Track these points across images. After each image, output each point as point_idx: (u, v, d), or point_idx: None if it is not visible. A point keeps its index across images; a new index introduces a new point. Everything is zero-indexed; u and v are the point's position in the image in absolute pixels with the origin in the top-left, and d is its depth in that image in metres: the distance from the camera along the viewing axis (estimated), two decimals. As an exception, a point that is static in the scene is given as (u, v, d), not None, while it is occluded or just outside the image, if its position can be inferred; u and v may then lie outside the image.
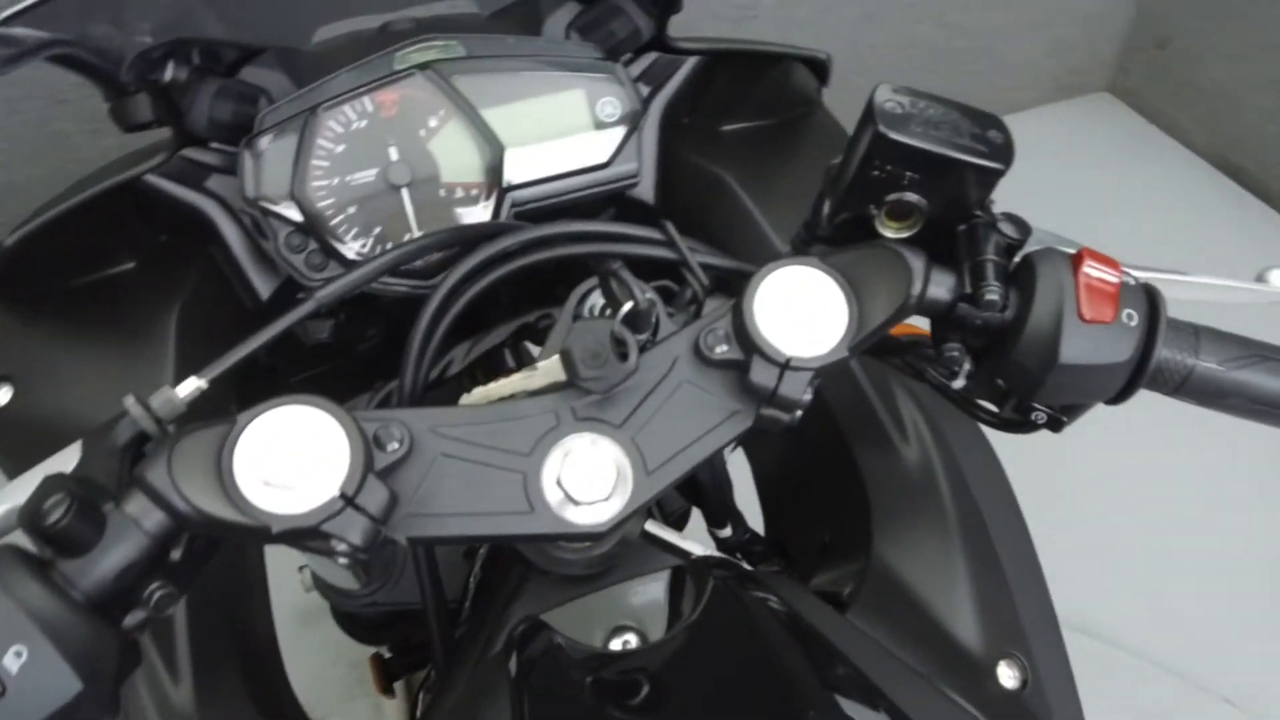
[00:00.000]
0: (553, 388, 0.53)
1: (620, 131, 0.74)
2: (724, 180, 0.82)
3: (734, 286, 0.55)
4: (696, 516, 0.81)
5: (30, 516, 0.40)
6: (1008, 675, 0.60)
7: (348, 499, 0.43)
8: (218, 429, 0.44)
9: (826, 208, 0.55)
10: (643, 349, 0.53)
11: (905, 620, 0.62)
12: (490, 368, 0.77)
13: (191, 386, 0.46)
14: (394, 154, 0.71)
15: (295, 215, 0.69)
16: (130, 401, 0.44)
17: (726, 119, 0.89)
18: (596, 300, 0.60)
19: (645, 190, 0.79)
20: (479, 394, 0.57)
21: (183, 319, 0.71)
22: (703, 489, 0.75)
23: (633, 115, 0.74)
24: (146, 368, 0.68)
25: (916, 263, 0.51)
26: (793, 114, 0.91)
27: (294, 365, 0.84)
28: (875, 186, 0.51)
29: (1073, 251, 0.50)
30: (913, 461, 0.66)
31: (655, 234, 0.62)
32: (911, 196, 0.51)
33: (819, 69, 0.87)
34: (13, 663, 0.37)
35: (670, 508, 0.79)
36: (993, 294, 0.48)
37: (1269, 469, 1.90)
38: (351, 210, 0.70)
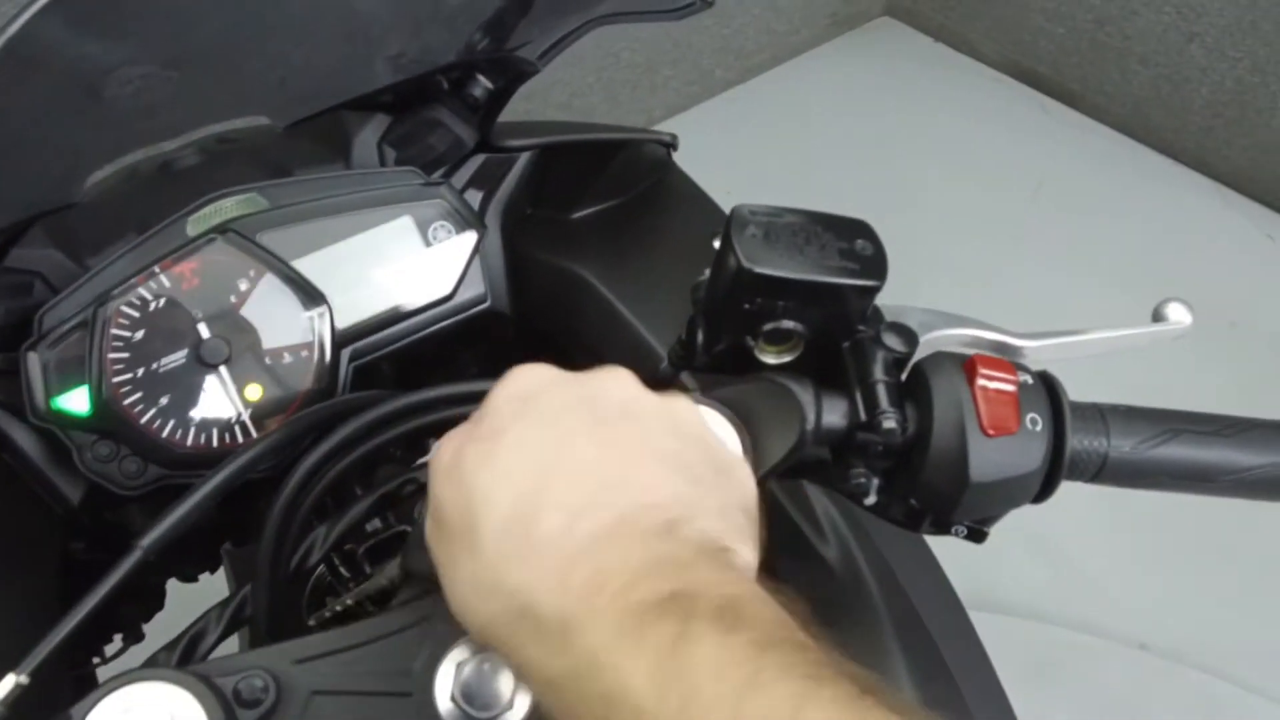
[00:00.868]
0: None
1: (459, 257, 0.68)
2: (583, 279, 0.76)
3: None
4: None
5: None
6: None
7: None
8: None
9: (700, 336, 0.51)
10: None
11: None
12: (354, 551, 0.69)
13: (9, 685, 0.41)
14: (204, 330, 0.62)
15: (98, 423, 0.60)
16: None
17: (574, 207, 0.83)
18: None
19: (500, 303, 0.73)
20: (342, 604, 0.50)
21: None
22: None
23: (469, 237, 0.68)
24: None
25: (805, 395, 0.47)
26: (644, 186, 0.86)
27: None
28: (748, 318, 0.47)
29: (965, 353, 0.47)
30: (834, 561, 0.62)
31: None
32: (788, 324, 0.47)
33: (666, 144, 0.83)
34: None
35: None
36: (890, 422, 0.45)
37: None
38: (164, 402, 0.62)
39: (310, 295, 0.64)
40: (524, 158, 0.76)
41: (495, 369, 0.86)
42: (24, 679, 0.42)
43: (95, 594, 0.47)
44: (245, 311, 0.64)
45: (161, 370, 0.62)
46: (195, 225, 0.63)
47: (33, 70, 0.54)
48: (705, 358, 0.51)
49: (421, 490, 0.55)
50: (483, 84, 0.73)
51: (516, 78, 0.73)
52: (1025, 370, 0.47)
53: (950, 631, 0.62)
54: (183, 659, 0.54)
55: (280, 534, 0.55)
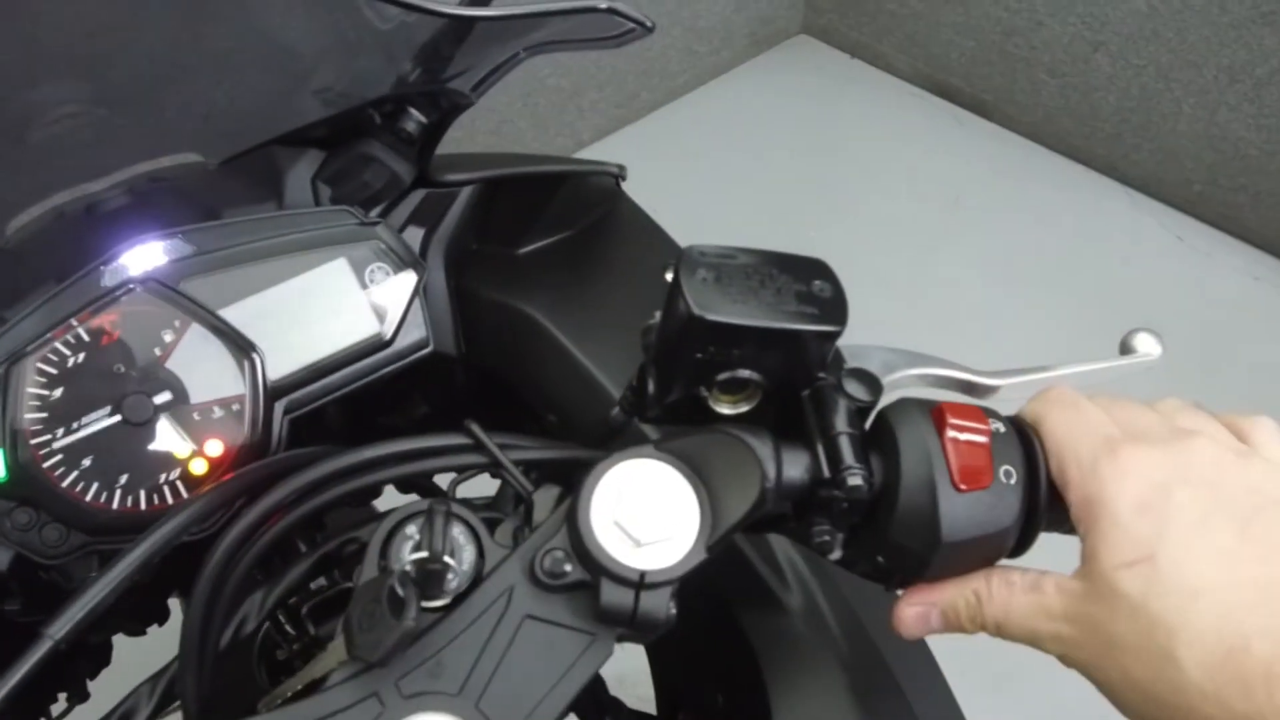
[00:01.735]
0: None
1: (398, 299, 0.65)
2: (532, 318, 0.73)
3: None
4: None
5: None
6: None
7: None
8: None
9: (652, 387, 0.48)
10: (472, 585, 0.46)
11: None
12: (298, 607, 0.65)
13: None
14: (127, 385, 0.59)
15: (14, 489, 0.56)
16: None
17: (521, 241, 0.80)
18: (412, 533, 0.51)
19: (445, 345, 0.70)
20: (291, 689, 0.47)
21: None
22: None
23: (408, 278, 0.65)
24: None
25: (764, 449, 0.44)
26: (593, 218, 0.83)
27: None
28: (701, 368, 0.45)
29: (932, 399, 0.46)
30: (796, 608, 0.61)
31: (462, 439, 0.54)
32: (744, 373, 0.45)
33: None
34: None
35: None
36: (855, 478, 0.43)
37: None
38: (87, 464, 0.58)
39: (240, 345, 0.61)
40: (466, 192, 0.73)
41: (447, 408, 0.83)
42: None
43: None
44: (171, 364, 0.60)
45: (83, 430, 0.58)
46: (113, 275, 0.59)
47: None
48: (657, 409, 0.49)
49: (363, 550, 0.52)
50: (415, 118, 0.70)
51: (451, 110, 0.71)
52: (996, 417, 0.45)
53: (921, 684, 0.61)
54: None
55: (207, 612, 0.51)
